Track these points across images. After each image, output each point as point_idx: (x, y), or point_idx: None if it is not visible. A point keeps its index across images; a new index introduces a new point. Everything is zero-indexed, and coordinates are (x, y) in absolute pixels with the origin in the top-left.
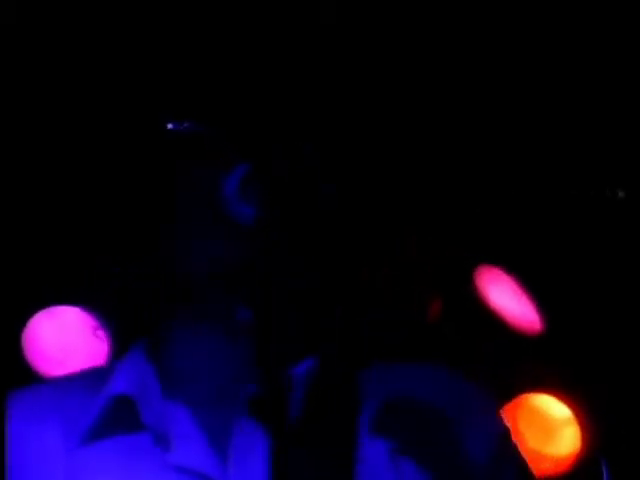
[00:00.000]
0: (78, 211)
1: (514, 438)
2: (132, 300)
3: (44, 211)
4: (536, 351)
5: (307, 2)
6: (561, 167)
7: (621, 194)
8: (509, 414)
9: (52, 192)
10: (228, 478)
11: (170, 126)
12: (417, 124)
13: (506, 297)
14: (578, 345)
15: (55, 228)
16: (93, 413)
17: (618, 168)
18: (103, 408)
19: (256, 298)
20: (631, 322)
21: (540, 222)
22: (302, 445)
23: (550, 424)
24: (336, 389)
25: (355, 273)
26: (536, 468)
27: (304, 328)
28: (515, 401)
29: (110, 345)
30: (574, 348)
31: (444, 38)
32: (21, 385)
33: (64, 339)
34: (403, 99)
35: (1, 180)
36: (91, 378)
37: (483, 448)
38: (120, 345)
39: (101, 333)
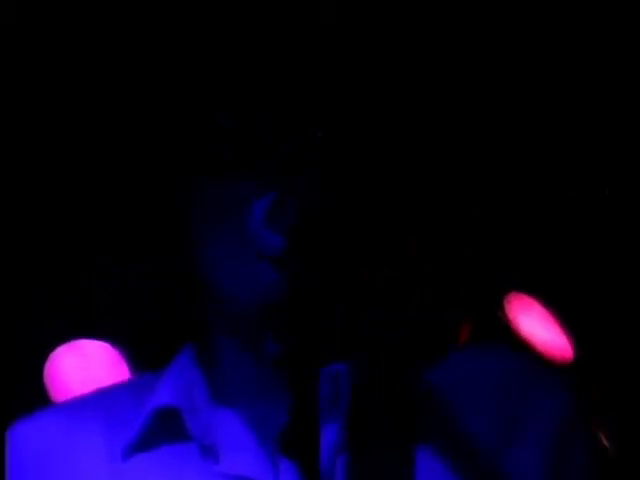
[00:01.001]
0: (100, 238)
1: None
2: (156, 332)
3: (66, 245)
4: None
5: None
6: (562, 167)
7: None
8: None
9: (69, 212)
10: None
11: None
12: (420, 124)
13: (537, 325)
14: (610, 373)
15: (75, 257)
16: (137, 425)
17: (618, 168)
18: (147, 420)
19: (287, 329)
20: None
21: (564, 244)
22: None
23: None
24: (387, 398)
25: (355, 273)
26: None
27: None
28: None
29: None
30: (606, 376)
31: (445, 38)
32: None
33: (87, 373)
34: (403, 99)
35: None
36: (136, 387)
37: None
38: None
39: (124, 367)
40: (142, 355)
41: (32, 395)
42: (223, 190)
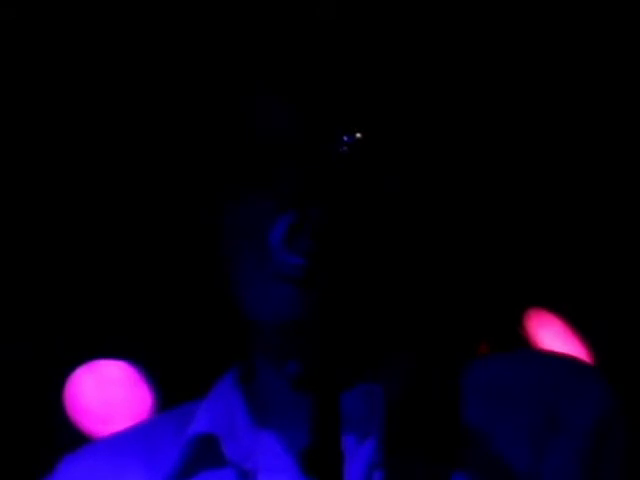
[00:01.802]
0: (115, 262)
1: None
2: (176, 350)
3: (81, 267)
4: None
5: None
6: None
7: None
8: None
9: (79, 232)
10: None
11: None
12: (428, 132)
13: (556, 340)
14: (632, 388)
15: (93, 282)
16: (176, 454)
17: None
18: (185, 448)
19: (307, 348)
20: None
21: (584, 259)
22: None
23: None
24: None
25: (371, 286)
26: None
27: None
28: None
29: (154, 398)
30: (628, 391)
31: (447, 37)
32: (67, 443)
33: (107, 394)
34: (412, 110)
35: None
36: (176, 417)
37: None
38: (164, 397)
39: (144, 386)
40: (163, 374)
41: (53, 416)
42: (244, 210)
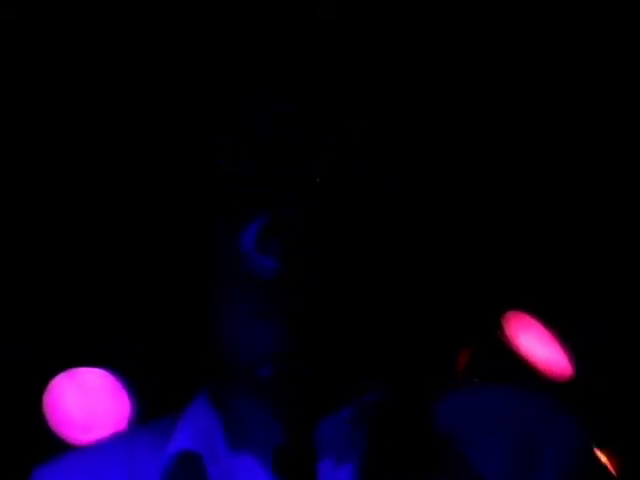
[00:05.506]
0: (98, 272)
1: None
2: (155, 359)
3: (64, 271)
4: (568, 397)
5: None
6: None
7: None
8: None
9: (66, 240)
10: None
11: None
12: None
13: (535, 343)
14: (610, 389)
15: (76, 288)
16: (158, 470)
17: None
18: (168, 466)
19: (281, 353)
20: None
21: (561, 260)
22: None
23: None
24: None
25: (348, 293)
26: None
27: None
28: None
29: (133, 407)
30: (606, 392)
31: (447, 37)
32: (46, 452)
33: (87, 402)
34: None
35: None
36: (155, 432)
37: (560, 466)
38: (144, 406)
39: (124, 394)
40: (143, 383)
41: (32, 423)
42: (217, 219)
